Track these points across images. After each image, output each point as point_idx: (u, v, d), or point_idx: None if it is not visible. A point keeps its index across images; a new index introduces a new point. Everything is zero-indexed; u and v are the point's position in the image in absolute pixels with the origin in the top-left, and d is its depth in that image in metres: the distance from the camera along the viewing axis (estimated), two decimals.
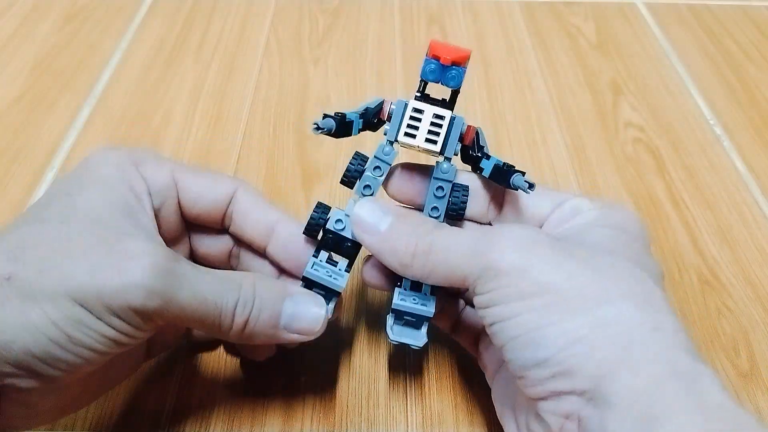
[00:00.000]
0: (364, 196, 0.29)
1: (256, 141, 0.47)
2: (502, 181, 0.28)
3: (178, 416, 0.31)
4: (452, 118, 0.28)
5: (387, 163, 0.29)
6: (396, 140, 0.29)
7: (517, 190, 0.27)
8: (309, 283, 0.29)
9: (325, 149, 0.46)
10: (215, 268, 0.27)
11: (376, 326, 0.35)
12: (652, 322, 0.22)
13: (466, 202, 0.29)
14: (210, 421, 0.31)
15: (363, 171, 0.29)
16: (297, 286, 0.28)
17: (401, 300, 0.29)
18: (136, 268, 0.23)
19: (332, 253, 0.29)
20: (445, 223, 0.28)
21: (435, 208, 0.29)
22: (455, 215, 0.29)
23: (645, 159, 0.47)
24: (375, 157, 0.29)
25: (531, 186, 0.26)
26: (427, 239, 0.26)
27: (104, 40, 0.58)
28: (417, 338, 0.29)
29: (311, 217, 0.29)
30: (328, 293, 0.29)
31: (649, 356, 0.21)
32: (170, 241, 0.29)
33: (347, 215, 0.28)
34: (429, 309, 0.29)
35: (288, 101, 0.51)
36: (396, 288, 0.29)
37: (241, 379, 0.32)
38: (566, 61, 0.57)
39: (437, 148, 0.28)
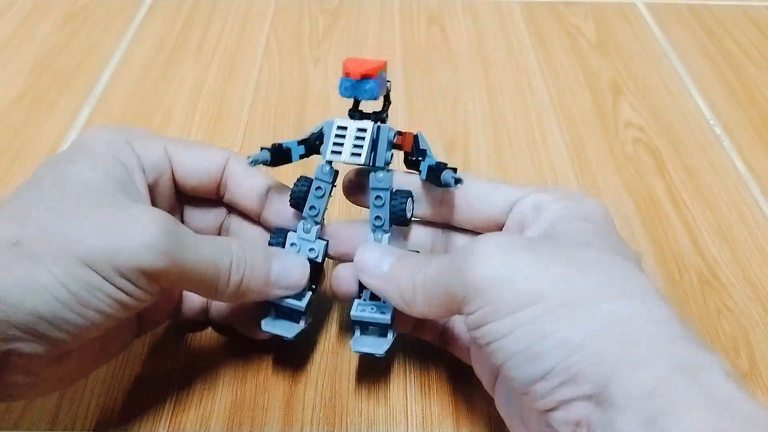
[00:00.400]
0: (310, 217, 0.30)
1: (256, 141, 0.47)
2: (435, 180, 0.29)
3: (178, 416, 0.31)
4: (376, 128, 0.29)
5: (327, 182, 0.30)
6: (324, 159, 0.30)
7: (448, 186, 0.28)
8: (270, 310, 0.31)
9: None
10: None
11: None
12: (645, 314, 0.21)
13: (405, 207, 0.29)
14: (210, 421, 0.31)
15: (307, 192, 0.30)
16: (277, 249, 0.30)
17: (360, 311, 0.30)
18: (144, 230, 0.24)
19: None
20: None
21: (378, 217, 0.30)
22: (398, 221, 0.30)
23: (645, 159, 0.47)
24: (315, 178, 0.30)
25: (458, 181, 0.27)
26: (423, 270, 0.26)
27: (104, 40, 0.58)
28: (379, 346, 0.29)
29: (269, 239, 0.31)
30: (294, 318, 0.31)
31: (649, 352, 0.20)
32: None
33: (300, 237, 0.31)
34: (386, 317, 0.29)
35: (288, 101, 0.51)
36: (355, 300, 0.30)
37: (242, 380, 0.32)
38: (566, 61, 0.57)
39: (362, 160, 0.29)
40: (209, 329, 0.35)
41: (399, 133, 0.30)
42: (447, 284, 0.24)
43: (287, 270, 0.29)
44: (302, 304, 0.30)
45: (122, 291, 0.24)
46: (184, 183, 0.31)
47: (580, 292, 0.22)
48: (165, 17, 0.61)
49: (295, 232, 0.31)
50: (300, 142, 0.30)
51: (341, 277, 0.31)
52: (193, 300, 0.32)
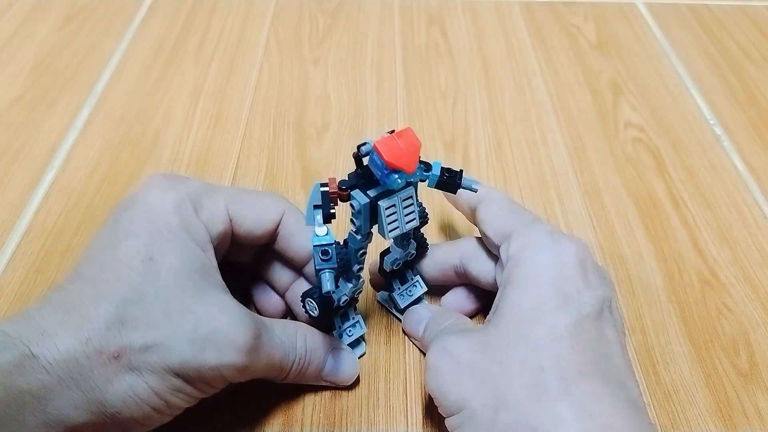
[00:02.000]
0: (355, 276, 0.31)
1: (256, 141, 0.47)
2: (450, 188, 0.30)
3: (178, 416, 0.31)
4: (412, 191, 0.29)
5: (365, 246, 0.30)
6: (386, 238, 0.29)
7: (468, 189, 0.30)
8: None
9: (325, 149, 0.46)
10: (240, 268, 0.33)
11: (376, 327, 0.35)
12: (539, 421, 0.24)
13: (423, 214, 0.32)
14: (210, 421, 0.31)
15: (348, 257, 0.30)
16: (336, 341, 0.32)
17: (403, 301, 0.35)
18: (231, 348, 0.26)
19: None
20: (442, 316, 0.32)
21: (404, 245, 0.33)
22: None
23: (645, 159, 0.47)
24: (354, 248, 0.30)
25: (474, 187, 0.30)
26: (428, 345, 0.29)
27: (104, 40, 0.58)
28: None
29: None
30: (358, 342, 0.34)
31: None
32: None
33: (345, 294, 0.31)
34: (421, 288, 0.35)
35: (288, 101, 0.51)
36: (393, 293, 0.35)
37: None
38: (566, 61, 0.57)
39: (418, 222, 0.30)
40: None
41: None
42: None
43: (340, 369, 0.32)
44: (362, 331, 0.33)
45: (204, 392, 0.27)
46: (241, 238, 0.31)
47: (488, 402, 0.25)
48: (165, 17, 0.61)
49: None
50: (337, 258, 0.28)
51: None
52: None
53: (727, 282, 0.38)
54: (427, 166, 0.29)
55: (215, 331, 0.25)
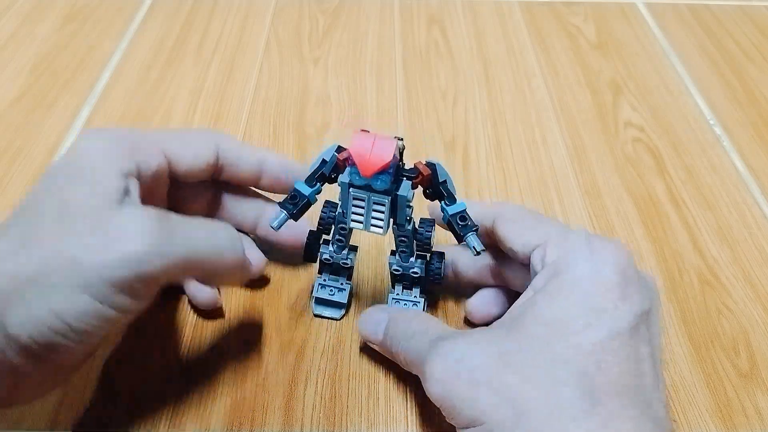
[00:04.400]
0: (338, 240, 0.33)
1: (256, 141, 0.47)
2: (455, 235, 0.30)
3: (178, 416, 0.31)
4: (394, 198, 0.29)
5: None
6: (348, 225, 0.31)
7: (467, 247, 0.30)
8: (318, 301, 0.35)
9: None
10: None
11: None
12: None
13: (430, 237, 0.32)
14: (210, 421, 0.31)
15: (334, 218, 0.32)
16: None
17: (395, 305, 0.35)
18: (132, 236, 0.24)
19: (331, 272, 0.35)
20: (421, 318, 0.31)
21: (403, 251, 0.33)
22: (423, 249, 0.33)
23: (645, 159, 0.47)
24: (339, 220, 0.32)
25: (479, 253, 0.29)
26: (403, 351, 0.29)
27: (104, 40, 0.58)
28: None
29: (306, 243, 0.34)
30: (336, 305, 0.35)
31: None
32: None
33: (331, 253, 0.33)
34: (421, 303, 0.34)
35: (288, 101, 0.51)
36: (389, 294, 0.35)
37: (242, 380, 0.32)
38: (566, 61, 0.57)
39: (382, 233, 0.30)
40: (209, 331, 0.35)
41: (413, 171, 0.30)
42: (417, 373, 0.28)
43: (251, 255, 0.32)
44: (344, 300, 0.34)
45: (118, 311, 0.24)
46: (180, 176, 0.32)
47: (506, 417, 0.24)
48: (165, 17, 0.61)
49: (326, 243, 0.34)
50: (316, 179, 0.31)
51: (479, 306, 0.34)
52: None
53: (727, 282, 0.38)
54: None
55: (116, 236, 0.24)
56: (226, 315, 0.35)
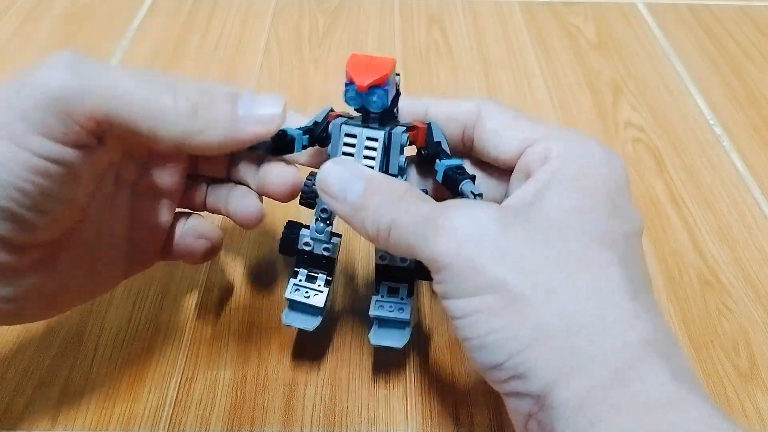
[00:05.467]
0: (322, 218, 0.29)
1: None
2: (452, 187, 0.27)
3: (178, 416, 0.31)
4: (388, 135, 0.27)
5: None
6: None
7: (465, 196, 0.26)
8: (291, 304, 0.31)
9: None
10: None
11: None
12: (601, 317, 0.21)
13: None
14: (210, 421, 0.31)
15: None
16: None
17: (378, 309, 0.30)
18: (48, 66, 0.23)
19: (309, 269, 0.30)
20: (416, 190, 0.26)
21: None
22: None
23: (645, 159, 0.47)
24: None
25: (478, 195, 0.26)
26: (389, 218, 0.24)
27: (104, 40, 0.58)
28: (398, 339, 0.30)
29: (283, 235, 0.30)
30: (312, 311, 0.30)
31: (595, 359, 0.20)
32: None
33: (312, 238, 0.30)
34: (404, 315, 0.29)
35: (288, 101, 0.51)
36: (373, 296, 0.30)
37: (242, 380, 0.32)
38: (566, 61, 0.57)
39: (375, 170, 0.27)
40: (209, 330, 0.35)
41: (410, 128, 0.28)
42: (413, 244, 0.23)
43: (258, 101, 0.26)
44: (320, 304, 0.30)
45: (37, 155, 0.22)
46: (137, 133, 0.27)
47: (541, 285, 0.21)
48: (165, 17, 0.61)
49: (307, 228, 0.30)
50: (305, 132, 0.29)
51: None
52: (185, 239, 0.31)
53: (727, 282, 0.38)
54: (438, 150, 0.27)
55: (32, 75, 0.23)
56: (226, 315, 0.35)
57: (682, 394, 0.19)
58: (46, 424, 0.30)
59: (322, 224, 0.29)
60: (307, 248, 0.30)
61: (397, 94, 0.28)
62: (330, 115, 0.29)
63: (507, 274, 0.21)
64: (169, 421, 0.31)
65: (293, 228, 0.30)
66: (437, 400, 0.32)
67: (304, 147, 0.29)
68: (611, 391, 0.20)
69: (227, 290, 0.37)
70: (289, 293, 0.30)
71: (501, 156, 0.27)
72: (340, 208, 0.25)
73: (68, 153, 0.23)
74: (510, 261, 0.22)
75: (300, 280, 0.30)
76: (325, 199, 0.26)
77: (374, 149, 0.27)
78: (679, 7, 0.64)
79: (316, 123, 0.29)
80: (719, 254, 0.40)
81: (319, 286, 0.30)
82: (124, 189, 0.29)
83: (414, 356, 0.34)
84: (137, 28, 0.60)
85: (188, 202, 0.31)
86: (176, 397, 0.32)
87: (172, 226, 0.31)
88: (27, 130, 0.22)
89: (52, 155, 0.23)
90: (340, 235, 0.30)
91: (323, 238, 0.30)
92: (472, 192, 0.26)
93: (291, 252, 0.30)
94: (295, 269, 0.30)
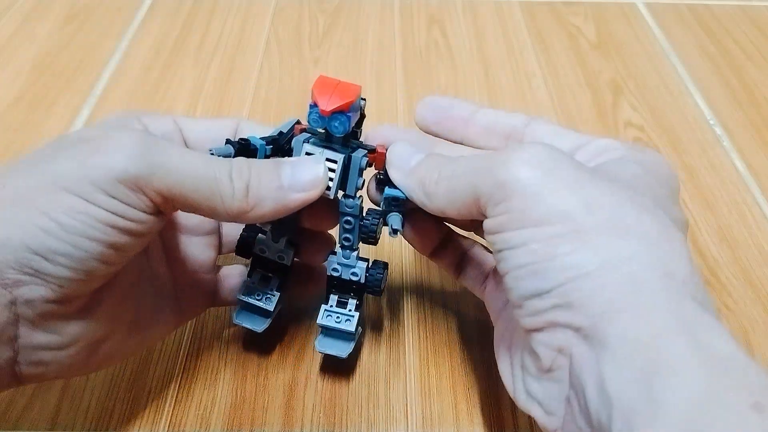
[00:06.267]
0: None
1: None
2: (383, 214, 0.29)
3: (178, 416, 0.31)
4: (348, 158, 0.28)
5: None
6: None
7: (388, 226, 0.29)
8: (243, 306, 0.32)
9: None
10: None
11: (375, 327, 0.35)
12: (664, 267, 0.20)
13: (376, 228, 0.29)
14: (210, 421, 0.31)
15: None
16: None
17: (326, 318, 0.31)
18: (117, 142, 0.24)
19: (263, 272, 0.32)
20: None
21: (347, 238, 0.30)
22: (367, 240, 0.30)
23: None
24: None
25: (395, 232, 0.28)
26: (450, 165, 0.25)
27: (104, 40, 0.58)
28: (342, 349, 0.31)
29: (240, 237, 0.31)
30: (263, 314, 0.32)
31: (656, 304, 0.20)
32: None
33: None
34: (350, 327, 0.30)
35: (288, 101, 0.51)
36: (322, 306, 0.31)
37: (242, 380, 0.32)
38: (566, 61, 0.57)
39: (330, 194, 0.28)
40: (209, 330, 0.35)
41: (371, 151, 0.29)
42: (475, 179, 0.23)
43: (301, 170, 0.27)
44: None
45: (105, 209, 0.23)
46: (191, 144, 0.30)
47: (606, 223, 0.21)
48: (165, 17, 0.61)
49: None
50: (268, 142, 0.29)
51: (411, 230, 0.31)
52: (229, 280, 0.32)
53: (727, 282, 0.38)
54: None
55: (102, 144, 0.24)
56: (226, 314, 0.35)
57: (743, 356, 0.19)
58: (46, 424, 0.30)
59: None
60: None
61: (362, 117, 0.29)
62: (296, 128, 0.30)
63: (580, 206, 0.21)
64: (169, 421, 0.31)
65: (252, 229, 0.32)
66: (437, 400, 0.32)
67: (266, 157, 0.29)
68: (675, 338, 0.19)
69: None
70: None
71: None
72: (399, 174, 0.28)
73: (134, 213, 0.24)
74: (580, 197, 0.21)
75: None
76: (390, 170, 0.28)
77: (333, 171, 0.28)
78: (679, 7, 0.64)
79: (281, 133, 0.30)
80: (719, 254, 0.40)
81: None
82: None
83: (414, 356, 0.34)
84: (137, 28, 0.60)
85: (231, 243, 0.33)
86: (176, 397, 0.32)
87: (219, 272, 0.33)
88: (99, 192, 0.23)
89: (121, 213, 0.24)
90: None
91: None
92: (392, 225, 0.28)
93: (248, 253, 0.32)
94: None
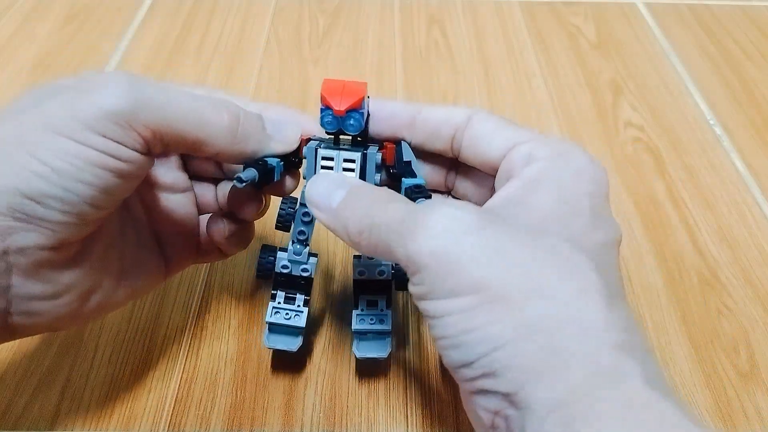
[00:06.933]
0: (299, 241, 0.30)
1: None
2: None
3: (178, 416, 0.31)
4: (364, 156, 0.28)
5: None
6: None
7: None
8: (271, 327, 0.31)
9: None
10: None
11: None
12: (578, 323, 0.21)
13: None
14: (210, 421, 0.31)
15: (294, 214, 0.30)
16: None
17: (360, 323, 0.30)
18: (104, 82, 0.24)
19: (287, 291, 0.31)
20: (397, 194, 0.26)
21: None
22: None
23: (645, 159, 0.47)
24: (300, 204, 0.29)
25: None
26: (370, 216, 0.24)
27: (104, 40, 0.58)
28: (382, 350, 0.31)
29: (258, 261, 0.30)
30: (293, 332, 0.31)
31: (572, 361, 0.20)
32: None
33: (290, 260, 0.30)
34: (386, 326, 0.30)
35: (288, 101, 0.51)
36: (354, 311, 0.31)
37: (242, 380, 0.32)
38: (566, 61, 0.57)
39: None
40: (208, 330, 0.35)
41: (380, 147, 0.29)
42: (391, 244, 0.23)
43: (279, 124, 0.29)
44: (301, 324, 0.30)
45: (98, 151, 0.23)
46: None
47: (518, 287, 0.21)
48: (165, 17, 0.61)
49: (284, 251, 0.30)
50: (280, 158, 0.29)
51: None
52: (213, 234, 0.32)
53: (727, 282, 0.38)
54: (406, 169, 0.28)
55: (89, 83, 0.24)
56: (226, 315, 0.35)
57: (655, 399, 0.20)
58: (46, 424, 0.31)
59: (299, 246, 0.30)
60: (285, 270, 0.30)
61: (368, 115, 0.29)
62: (301, 140, 0.29)
63: (488, 274, 0.21)
64: (169, 421, 0.31)
65: (269, 252, 0.30)
66: (437, 400, 0.32)
67: (281, 175, 0.29)
68: (588, 392, 0.20)
69: (227, 290, 0.37)
70: (270, 317, 0.30)
71: (487, 157, 0.28)
72: (324, 216, 0.26)
73: (126, 151, 0.24)
74: (491, 260, 0.22)
75: (279, 303, 0.30)
76: (311, 209, 0.27)
77: (352, 170, 0.28)
78: (679, 7, 0.64)
79: (281, 159, 0.29)
80: (719, 254, 0.40)
81: (298, 306, 0.30)
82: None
83: (414, 357, 0.34)
84: (137, 28, 0.60)
85: (205, 204, 0.32)
86: (176, 397, 0.32)
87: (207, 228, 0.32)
88: (89, 132, 0.23)
89: (112, 152, 0.24)
90: (316, 255, 0.31)
91: (301, 259, 0.30)
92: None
93: (268, 276, 0.31)
94: (273, 292, 0.31)
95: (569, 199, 0.25)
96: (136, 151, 0.25)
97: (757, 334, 0.35)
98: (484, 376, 0.21)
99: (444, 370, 0.33)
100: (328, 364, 0.33)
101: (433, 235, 0.22)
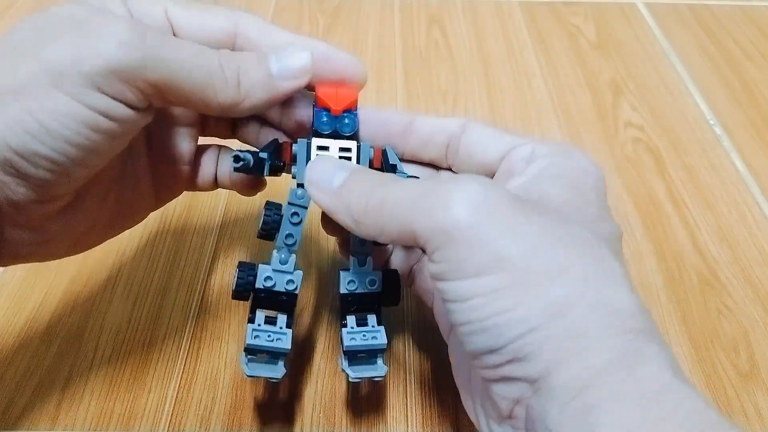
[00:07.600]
0: (287, 246, 0.28)
1: None
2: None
3: (178, 416, 0.31)
4: (359, 147, 0.28)
5: (303, 207, 0.27)
6: (298, 181, 0.28)
7: None
8: (252, 352, 0.27)
9: None
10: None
11: None
12: (606, 306, 0.20)
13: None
14: (210, 421, 0.31)
15: (280, 220, 0.27)
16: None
17: (351, 340, 0.28)
18: (112, 30, 0.23)
19: (268, 311, 0.28)
20: (406, 177, 0.26)
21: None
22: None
23: (645, 159, 0.47)
24: (289, 203, 0.27)
25: None
26: (380, 193, 0.23)
27: None
28: (377, 369, 0.28)
29: (237, 279, 0.27)
30: (277, 355, 0.28)
31: (596, 347, 0.20)
32: None
33: (275, 270, 0.27)
34: (380, 341, 0.28)
35: None
36: (342, 329, 0.28)
37: (242, 379, 0.32)
38: (566, 61, 0.57)
39: None
40: (208, 330, 0.35)
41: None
42: (412, 217, 0.22)
43: (286, 58, 0.26)
44: (286, 345, 0.27)
45: (94, 111, 0.23)
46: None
47: (546, 267, 0.21)
48: None
49: (267, 264, 0.28)
50: (270, 159, 0.28)
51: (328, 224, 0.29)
52: (208, 169, 0.31)
53: (727, 282, 0.38)
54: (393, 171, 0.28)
55: (92, 31, 0.23)
56: (226, 315, 0.35)
57: (679, 385, 0.19)
58: (46, 424, 0.31)
59: (286, 252, 0.28)
60: (268, 284, 0.27)
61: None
62: (284, 144, 0.29)
63: (516, 251, 0.21)
64: (169, 421, 0.31)
65: (246, 269, 0.27)
66: (437, 400, 0.32)
67: (270, 167, 0.28)
68: (612, 375, 0.19)
69: (227, 291, 0.37)
70: (250, 339, 0.27)
71: (484, 162, 0.28)
72: (324, 196, 0.25)
73: (122, 110, 0.23)
74: (520, 237, 0.21)
75: (259, 325, 0.27)
76: (310, 190, 0.26)
77: (349, 159, 0.28)
78: (679, 7, 0.64)
79: (269, 154, 0.28)
80: (719, 254, 0.40)
81: (281, 328, 0.27)
82: None
83: (414, 356, 0.34)
84: None
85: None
86: (176, 397, 0.32)
87: (200, 157, 0.31)
88: (88, 87, 0.22)
89: (108, 111, 0.23)
90: (300, 270, 0.28)
91: (287, 269, 0.28)
92: None
93: (246, 296, 0.28)
94: (251, 315, 0.28)
95: (579, 191, 0.25)
96: (135, 108, 0.24)
97: (757, 334, 0.35)
98: (512, 361, 0.21)
99: (443, 370, 0.33)
100: (328, 364, 0.33)
101: (463, 208, 0.21)
